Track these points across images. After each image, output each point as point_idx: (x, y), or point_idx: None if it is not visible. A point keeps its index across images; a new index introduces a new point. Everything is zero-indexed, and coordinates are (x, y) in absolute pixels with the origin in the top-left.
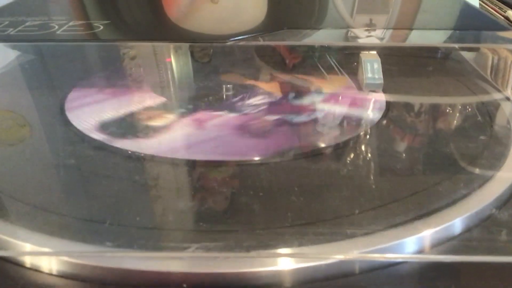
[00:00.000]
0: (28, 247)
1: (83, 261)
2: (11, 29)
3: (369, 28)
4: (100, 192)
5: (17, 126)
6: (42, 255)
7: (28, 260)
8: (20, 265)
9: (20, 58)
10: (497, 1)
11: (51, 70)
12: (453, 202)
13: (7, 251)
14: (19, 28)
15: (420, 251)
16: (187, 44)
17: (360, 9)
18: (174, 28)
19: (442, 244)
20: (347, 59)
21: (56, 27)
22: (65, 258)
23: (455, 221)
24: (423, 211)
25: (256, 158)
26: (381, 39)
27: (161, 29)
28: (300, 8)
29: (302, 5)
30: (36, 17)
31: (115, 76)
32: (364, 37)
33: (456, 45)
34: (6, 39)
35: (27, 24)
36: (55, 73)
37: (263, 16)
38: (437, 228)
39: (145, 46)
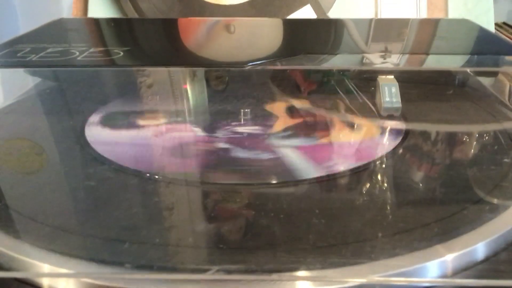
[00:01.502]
0: (46, 268)
1: (101, 283)
2: (33, 55)
3: (385, 53)
4: (120, 213)
5: (34, 155)
6: (60, 276)
7: (45, 282)
8: (38, 287)
9: (39, 85)
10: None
11: (71, 97)
12: (479, 226)
13: (25, 273)
14: (41, 54)
15: (445, 276)
16: (203, 72)
17: (376, 38)
18: (191, 56)
19: (468, 269)
20: (364, 85)
21: (77, 53)
22: (83, 280)
23: (480, 245)
24: (447, 235)
25: (276, 181)
26: (397, 65)
27: (179, 57)
28: (315, 37)
29: (317, 35)
30: (57, 44)
31: (133, 103)
32: (380, 63)
33: (468, 69)
34: (28, 64)
35: (48, 50)
36: (74, 100)
37: (279, 45)
38: (462, 252)
39: (161, 75)
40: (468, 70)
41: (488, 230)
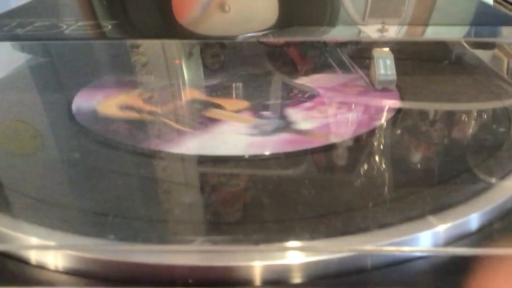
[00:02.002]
0: (28, 240)
1: (84, 255)
2: (19, 29)
3: (382, 25)
4: (105, 186)
5: (16, 128)
6: (39, 249)
7: (29, 255)
8: (21, 260)
9: (30, 61)
10: (510, 5)
11: (61, 72)
12: (474, 195)
13: (5, 245)
14: (28, 28)
15: (438, 246)
16: (198, 49)
17: (372, 13)
18: (182, 30)
19: (462, 238)
20: (358, 59)
21: (65, 27)
22: (64, 252)
23: (475, 214)
24: (440, 204)
25: (266, 153)
26: (392, 38)
27: (169, 31)
28: (309, 10)
29: (312, 12)
30: (45, 18)
31: (124, 78)
32: (376, 36)
33: (464, 39)
34: (14, 38)
35: (35, 24)
36: (64, 75)
37: (272, 17)
38: (456, 222)
39: (155, 51)
40: (462, 40)
41: (483, 201)
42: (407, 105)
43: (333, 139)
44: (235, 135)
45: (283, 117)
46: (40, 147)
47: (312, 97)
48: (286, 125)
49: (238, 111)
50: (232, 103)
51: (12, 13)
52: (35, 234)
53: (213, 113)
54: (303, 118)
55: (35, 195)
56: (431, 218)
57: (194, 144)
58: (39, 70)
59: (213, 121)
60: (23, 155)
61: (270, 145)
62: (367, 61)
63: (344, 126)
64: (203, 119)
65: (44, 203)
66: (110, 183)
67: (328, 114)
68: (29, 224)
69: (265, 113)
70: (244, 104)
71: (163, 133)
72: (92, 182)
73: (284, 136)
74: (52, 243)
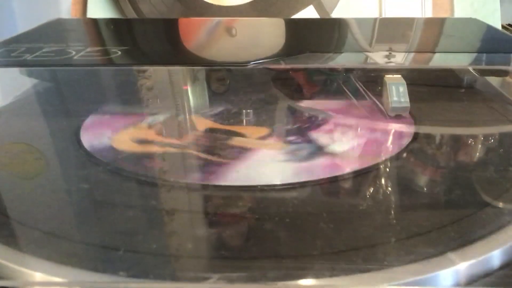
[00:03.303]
0: (36, 276)
1: None
2: (28, 55)
3: (390, 51)
4: (115, 218)
5: (25, 157)
6: (50, 286)
7: None
8: None
9: (36, 86)
10: None
11: (68, 98)
12: (497, 230)
13: (10, 281)
14: (36, 54)
15: (459, 285)
16: (204, 74)
17: (380, 36)
18: (191, 56)
19: (485, 276)
20: (369, 86)
21: (74, 53)
22: None
23: (499, 250)
24: (462, 240)
25: (279, 183)
26: (403, 63)
27: (178, 57)
28: (319, 37)
29: (321, 34)
30: (53, 43)
31: (131, 104)
32: (385, 62)
33: (474, 67)
34: (22, 64)
35: (44, 50)
36: (71, 101)
37: (282, 44)
38: (481, 258)
39: (162, 77)
40: (471, 68)
41: (507, 236)
42: (422, 134)
43: (369, 161)
44: (274, 163)
45: (309, 141)
46: (47, 176)
47: (326, 120)
48: (319, 150)
49: (261, 138)
50: (253, 130)
51: (19, 39)
52: (40, 269)
53: (239, 141)
54: (330, 141)
55: (41, 227)
56: (451, 255)
57: (234, 175)
58: (47, 95)
59: (242, 149)
60: (29, 184)
61: (316, 170)
62: (379, 88)
63: (374, 146)
64: (228, 148)
65: (50, 235)
66: (121, 215)
67: (351, 136)
68: (34, 258)
69: (291, 138)
70: (265, 130)
71: (196, 165)
72: (102, 214)
73: (323, 160)
74: (58, 279)
